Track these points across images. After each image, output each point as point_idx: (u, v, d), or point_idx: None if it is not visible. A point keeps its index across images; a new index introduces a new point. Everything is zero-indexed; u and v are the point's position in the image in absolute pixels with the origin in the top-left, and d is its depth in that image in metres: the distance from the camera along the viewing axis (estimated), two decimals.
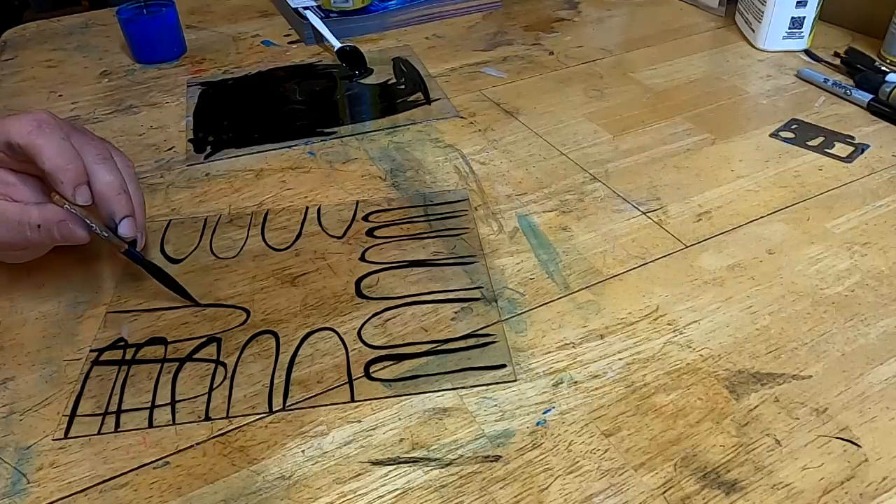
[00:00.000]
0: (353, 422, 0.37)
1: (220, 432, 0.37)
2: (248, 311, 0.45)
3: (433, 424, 0.37)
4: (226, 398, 0.39)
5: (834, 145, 0.60)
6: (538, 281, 0.46)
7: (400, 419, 0.37)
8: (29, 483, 0.35)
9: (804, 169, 0.57)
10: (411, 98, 0.70)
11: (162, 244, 0.51)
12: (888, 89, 0.63)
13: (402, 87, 0.73)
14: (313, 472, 0.35)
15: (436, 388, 0.39)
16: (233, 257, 0.49)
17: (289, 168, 0.60)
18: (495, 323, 0.43)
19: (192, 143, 0.64)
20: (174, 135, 0.65)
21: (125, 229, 0.43)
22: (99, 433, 0.37)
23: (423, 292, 0.45)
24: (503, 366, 0.40)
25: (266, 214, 0.54)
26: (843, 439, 0.36)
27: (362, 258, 0.49)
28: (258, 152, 0.62)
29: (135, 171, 0.47)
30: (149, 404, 0.39)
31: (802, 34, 0.75)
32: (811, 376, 0.39)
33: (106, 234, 0.43)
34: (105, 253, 0.50)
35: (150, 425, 0.38)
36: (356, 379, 0.40)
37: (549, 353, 0.41)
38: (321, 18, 0.84)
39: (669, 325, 0.43)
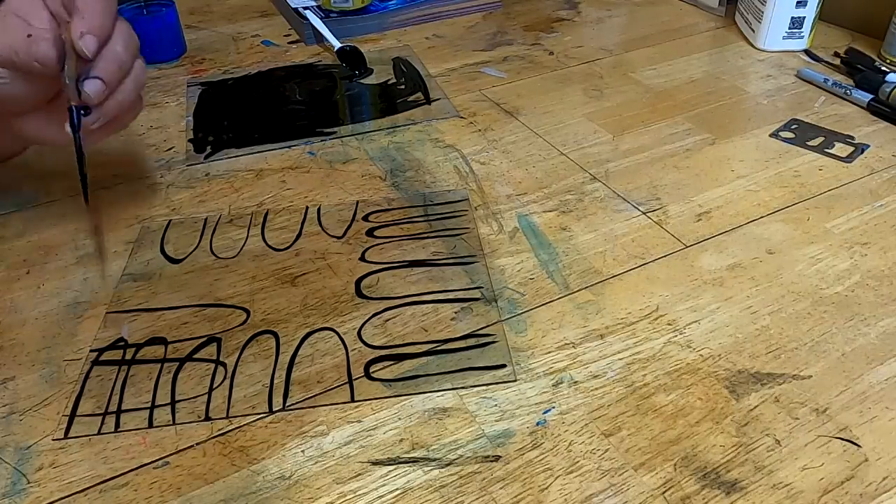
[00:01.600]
0: (353, 422, 0.37)
1: (220, 432, 0.37)
2: (248, 311, 0.45)
3: (433, 424, 0.37)
4: (226, 398, 0.39)
5: (834, 145, 0.60)
6: (538, 281, 0.46)
7: (400, 419, 0.37)
8: (29, 483, 0.35)
9: (804, 169, 0.57)
10: (411, 98, 0.70)
11: (162, 244, 0.51)
12: (888, 89, 0.63)
13: (402, 87, 0.73)
14: (313, 472, 0.35)
15: (436, 388, 0.39)
16: (233, 257, 0.49)
17: (289, 168, 0.60)
18: (495, 323, 0.43)
19: (192, 143, 0.64)
20: (174, 135, 0.65)
21: (91, 88, 0.42)
22: (99, 433, 0.37)
23: (423, 292, 0.45)
24: (503, 366, 0.40)
25: (266, 214, 0.54)
26: (843, 439, 0.36)
27: (362, 258, 0.49)
28: (258, 152, 0.62)
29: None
30: (149, 404, 0.39)
31: (802, 34, 0.75)
32: (811, 376, 0.39)
33: (69, 82, 0.42)
34: (106, 254, 0.50)
35: (150, 425, 0.38)
36: (356, 379, 0.40)
37: (549, 353, 0.41)
38: (321, 18, 0.84)
39: (669, 325, 0.43)
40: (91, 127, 0.44)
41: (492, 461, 0.35)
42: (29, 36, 0.41)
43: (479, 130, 0.64)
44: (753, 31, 0.78)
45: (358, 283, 0.46)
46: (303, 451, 0.36)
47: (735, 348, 0.41)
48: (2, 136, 0.49)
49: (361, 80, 0.74)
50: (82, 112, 0.43)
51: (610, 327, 0.43)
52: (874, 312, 0.43)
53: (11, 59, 0.42)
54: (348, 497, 0.34)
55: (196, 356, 0.42)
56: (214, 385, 0.40)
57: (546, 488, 0.34)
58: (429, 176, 0.58)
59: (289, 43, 0.84)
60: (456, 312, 0.44)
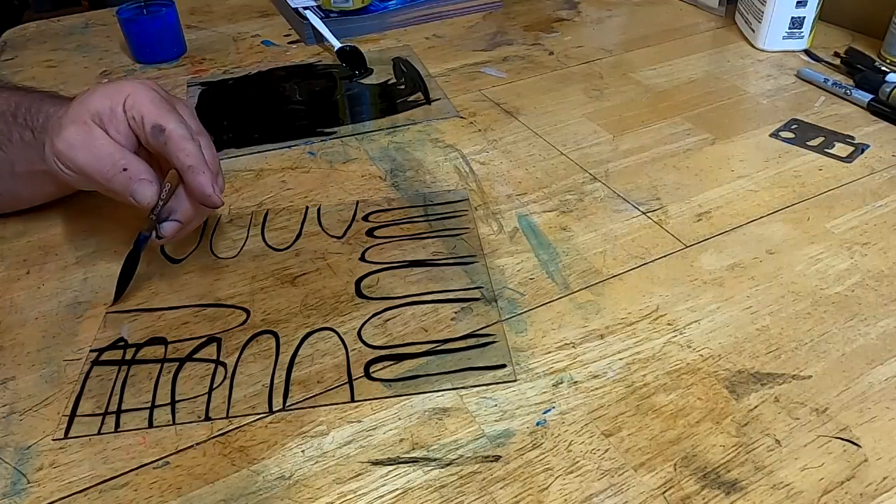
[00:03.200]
0: (353, 422, 0.37)
1: (220, 432, 0.37)
2: (248, 311, 0.45)
3: (433, 424, 0.37)
4: (226, 398, 0.39)
5: (834, 145, 0.60)
6: (538, 281, 0.46)
7: (400, 419, 0.37)
8: (29, 483, 0.35)
9: (804, 169, 0.57)
10: (411, 98, 0.70)
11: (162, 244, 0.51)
12: (888, 89, 0.63)
13: (402, 87, 0.73)
14: (313, 472, 0.35)
15: (436, 388, 0.39)
16: (233, 257, 0.49)
17: (289, 168, 0.60)
18: (495, 323, 0.43)
19: None
20: None
21: (166, 230, 0.44)
22: (99, 433, 0.37)
23: (423, 292, 0.45)
24: (503, 366, 0.40)
25: (266, 214, 0.54)
26: (843, 439, 0.36)
27: (362, 258, 0.49)
28: (258, 152, 0.62)
29: None
30: (149, 404, 0.39)
31: (802, 34, 0.75)
32: (811, 376, 0.39)
33: (153, 217, 0.44)
34: (105, 254, 0.50)
35: (150, 425, 0.38)
36: (356, 379, 0.40)
37: (549, 353, 0.41)
38: (321, 18, 0.84)
39: (669, 325, 0.43)
40: (153, 244, 0.46)
41: (492, 461, 0.35)
42: (125, 170, 0.42)
43: (479, 130, 0.64)
44: (753, 31, 0.78)
45: (358, 283, 0.46)
46: (303, 451, 0.36)
47: (735, 348, 0.41)
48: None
49: (361, 80, 0.74)
50: (147, 240, 0.45)
51: (610, 327, 0.43)
52: (874, 312, 0.43)
53: (99, 182, 0.43)
54: (348, 497, 0.34)
55: (196, 356, 0.42)
56: (214, 385, 0.40)
57: (546, 488, 0.34)
58: (429, 176, 0.58)
59: (289, 43, 0.84)
60: (456, 312, 0.44)
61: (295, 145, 0.63)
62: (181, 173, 0.43)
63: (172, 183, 0.44)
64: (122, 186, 0.42)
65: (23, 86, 0.55)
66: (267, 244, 0.51)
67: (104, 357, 0.42)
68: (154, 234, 0.44)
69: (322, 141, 0.63)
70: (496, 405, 0.38)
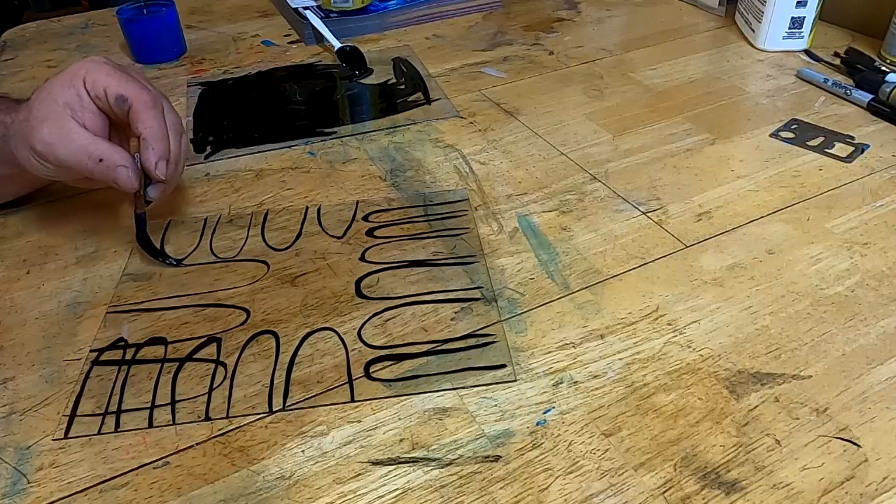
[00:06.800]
0: (353, 422, 0.37)
1: (220, 432, 0.37)
2: (248, 311, 0.45)
3: (433, 424, 0.37)
4: (226, 398, 0.39)
5: (834, 145, 0.60)
6: (538, 281, 0.46)
7: (400, 419, 0.37)
8: (29, 483, 0.35)
9: (804, 169, 0.57)
10: (411, 98, 0.70)
11: (162, 244, 0.51)
12: (888, 89, 0.63)
13: (402, 87, 0.73)
14: (313, 472, 0.35)
15: (436, 388, 0.39)
16: (233, 257, 0.49)
17: (289, 168, 0.60)
18: (495, 323, 0.43)
19: (192, 143, 0.64)
20: None
21: (154, 193, 0.48)
22: (99, 433, 0.37)
23: (423, 292, 0.45)
24: (503, 366, 0.40)
25: (266, 214, 0.54)
26: (843, 439, 0.36)
27: (362, 258, 0.49)
28: (258, 152, 0.62)
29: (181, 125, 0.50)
30: (149, 404, 0.39)
31: (802, 34, 0.75)
32: (811, 376, 0.39)
33: (141, 193, 0.47)
34: (105, 254, 0.50)
35: (150, 425, 0.38)
36: (356, 379, 0.40)
37: (549, 353, 0.41)
38: (321, 18, 0.84)
39: (669, 325, 0.43)
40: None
41: (492, 461, 0.35)
42: (101, 161, 0.44)
43: (479, 130, 0.64)
44: (753, 31, 0.78)
45: (358, 283, 0.46)
46: (303, 451, 0.36)
47: (735, 348, 0.41)
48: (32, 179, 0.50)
49: (361, 80, 0.74)
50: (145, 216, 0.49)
51: (610, 327, 0.43)
52: (874, 312, 0.43)
53: (81, 172, 0.45)
54: (348, 497, 0.34)
55: (196, 356, 0.42)
56: (214, 385, 0.40)
57: (546, 488, 0.34)
58: (429, 176, 0.58)
59: (289, 43, 0.84)
60: (456, 312, 0.44)
61: (295, 145, 0.63)
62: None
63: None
64: (103, 176, 0.44)
65: None
66: (267, 244, 0.51)
67: (104, 357, 0.42)
68: (142, 212, 0.48)
69: (322, 141, 0.63)
70: (496, 405, 0.38)
